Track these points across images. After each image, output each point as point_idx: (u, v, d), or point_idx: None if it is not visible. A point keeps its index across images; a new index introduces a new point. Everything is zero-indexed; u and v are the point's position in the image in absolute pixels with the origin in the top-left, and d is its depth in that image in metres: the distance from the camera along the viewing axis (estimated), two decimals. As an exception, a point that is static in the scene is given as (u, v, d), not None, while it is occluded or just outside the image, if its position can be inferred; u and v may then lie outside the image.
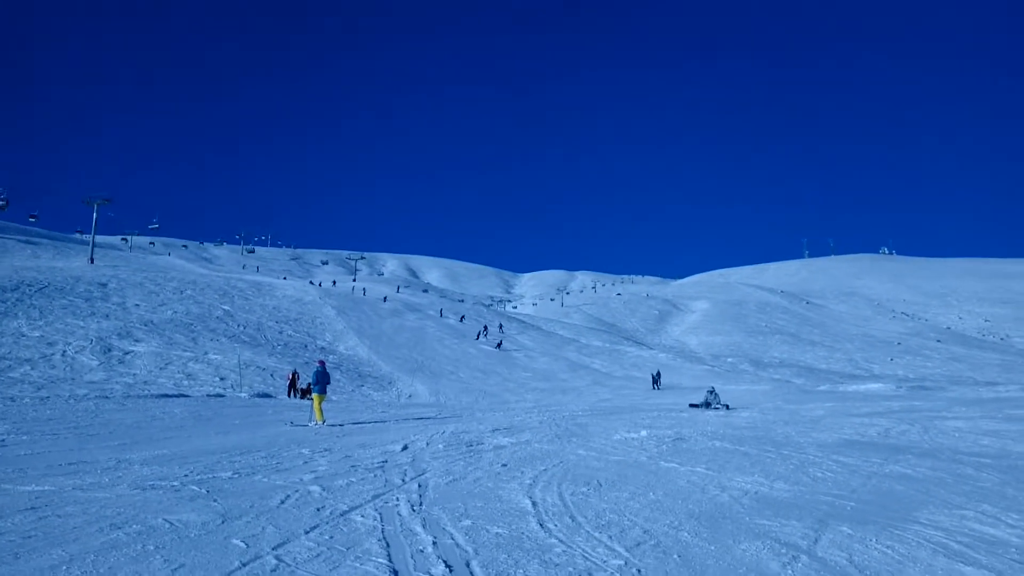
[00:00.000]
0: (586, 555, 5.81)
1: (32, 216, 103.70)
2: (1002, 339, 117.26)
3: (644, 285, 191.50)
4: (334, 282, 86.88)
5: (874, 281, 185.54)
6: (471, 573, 5.32)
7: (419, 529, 6.51)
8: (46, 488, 8.03)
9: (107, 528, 6.29)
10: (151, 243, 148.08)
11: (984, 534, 6.65)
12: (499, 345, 54.41)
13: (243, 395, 26.02)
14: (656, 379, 41.88)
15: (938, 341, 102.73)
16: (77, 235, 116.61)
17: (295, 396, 27.06)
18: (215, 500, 7.54)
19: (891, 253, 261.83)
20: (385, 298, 71.07)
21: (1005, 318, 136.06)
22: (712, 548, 6.10)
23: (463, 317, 68.37)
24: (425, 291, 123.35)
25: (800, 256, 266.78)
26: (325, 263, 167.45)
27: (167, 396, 23.05)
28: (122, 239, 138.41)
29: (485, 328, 61.78)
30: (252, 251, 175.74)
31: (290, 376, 28.55)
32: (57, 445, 11.68)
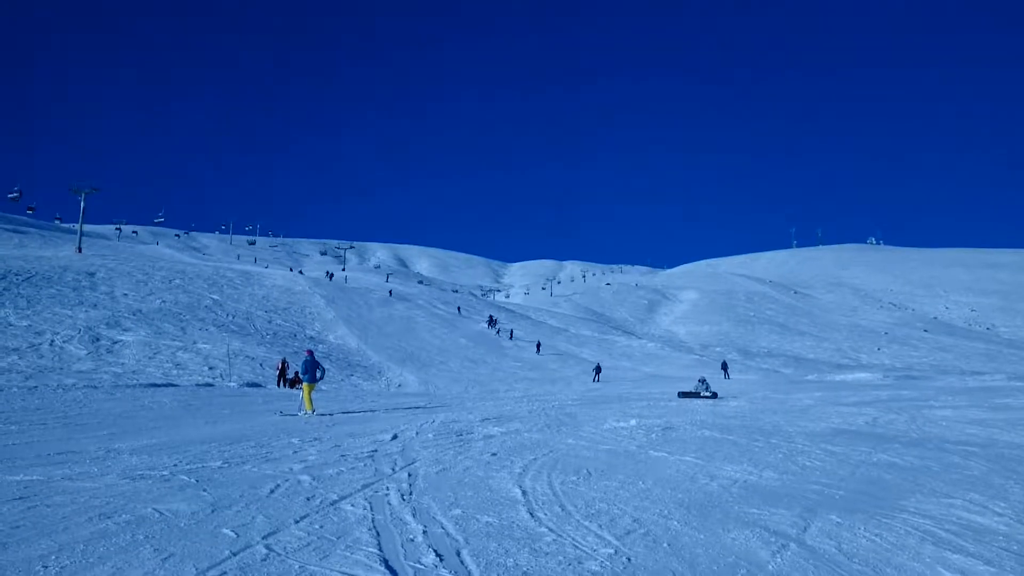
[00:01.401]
0: (576, 544, 5.82)
1: (29, 208, 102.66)
2: (988, 328, 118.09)
3: (633, 275, 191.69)
4: (331, 275, 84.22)
5: (862, 271, 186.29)
6: (461, 562, 5.32)
7: (409, 518, 6.51)
8: (35, 478, 7.99)
9: (96, 518, 6.27)
10: (134, 232, 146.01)
11: (971, 522, 6.70)
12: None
13: (232, 384, 25.95)
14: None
15: (925, 331, 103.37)
16: (56, 222, 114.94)
17: (284, 385, 27.01)
18: (205, 489, 7.51)
19: (878, 243, 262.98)
20: (391, 292, 69.41)
21: (991, 308, 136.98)
22: (702, 536, 6.12)
23: (516, 331, 60.29)
24: (421, 282, 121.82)
25: (788, 246, 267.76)
26: (324, 253, 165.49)
27: (156, 386, 22.96)
28: (116, 228, 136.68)
29: (509, 331, 59.13)
30: (253, 242, 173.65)
31: (279, 365, 28.48)
32: (46, 435, 11.63)
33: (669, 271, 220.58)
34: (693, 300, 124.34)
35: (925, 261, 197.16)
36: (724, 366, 45.86)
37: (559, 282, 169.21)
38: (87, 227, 78.69)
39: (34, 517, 6.30)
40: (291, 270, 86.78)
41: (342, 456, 9.94)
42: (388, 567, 5.13)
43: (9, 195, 66.81)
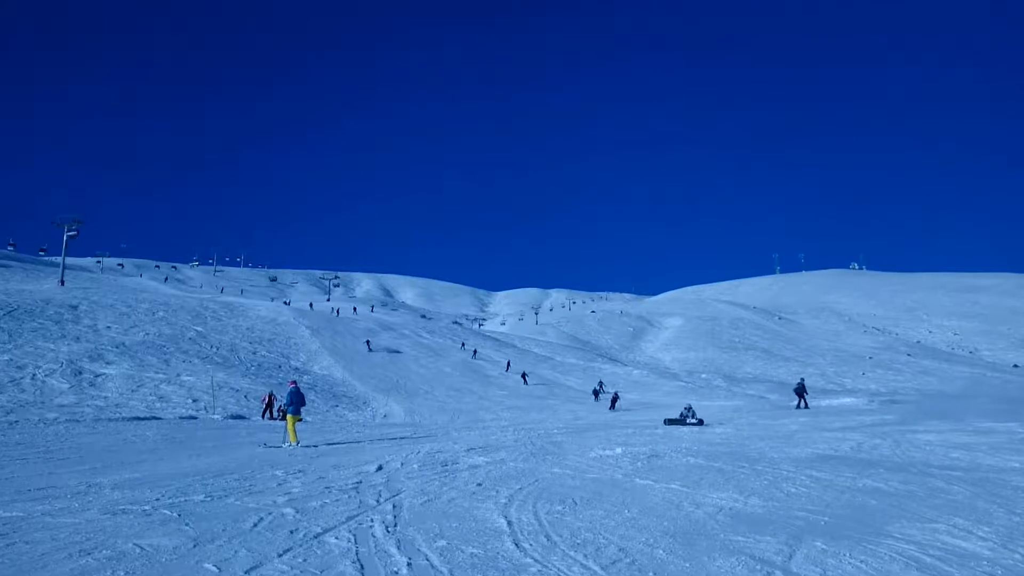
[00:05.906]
0: (561, 574, 5.80)
1: (10, 244, 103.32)
2: (971, 352, 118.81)
3: (618, 302, 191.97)
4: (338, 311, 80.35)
5: (845, 296, 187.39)
6: (446, 594, 5.29)
7: (394, 550, 6.47)
8: (14, 514, 7.89)
9: (76, 554, 6.20)
10: (119, 264, 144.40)
11: (956, 547, 6.72)
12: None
13: (216, 417, 25.74)
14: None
15: (908, 355, 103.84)
16: (41, 254, 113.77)
17: (269, 417, 26.78)
18: (187, 524, 7.44)
19: (861, 268, 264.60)
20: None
21: (974, 331, 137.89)
22: (687, 565, 6.11)
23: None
24: (424, 316, 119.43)
25: (772, 272, 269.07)
26: (337, 285, 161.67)
27: (139, 419, 22.75)
28: (102, 262, 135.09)
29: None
30: (275, 279, 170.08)
31: (266, 398, 28.23)
32: (26, 470, 11.49)
33: (654, 298, 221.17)
34: (678, 327, 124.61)
35: (907, 286, 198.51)
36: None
37: (551, 309, 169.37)
38: (70, 260, 78.24)
39: (13, 555, 6.22)
40: (321, 302, 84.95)
41: (326, 488, 9.87)
42: (372, 600, 5.09)
43: (68, 232, 66.82)
